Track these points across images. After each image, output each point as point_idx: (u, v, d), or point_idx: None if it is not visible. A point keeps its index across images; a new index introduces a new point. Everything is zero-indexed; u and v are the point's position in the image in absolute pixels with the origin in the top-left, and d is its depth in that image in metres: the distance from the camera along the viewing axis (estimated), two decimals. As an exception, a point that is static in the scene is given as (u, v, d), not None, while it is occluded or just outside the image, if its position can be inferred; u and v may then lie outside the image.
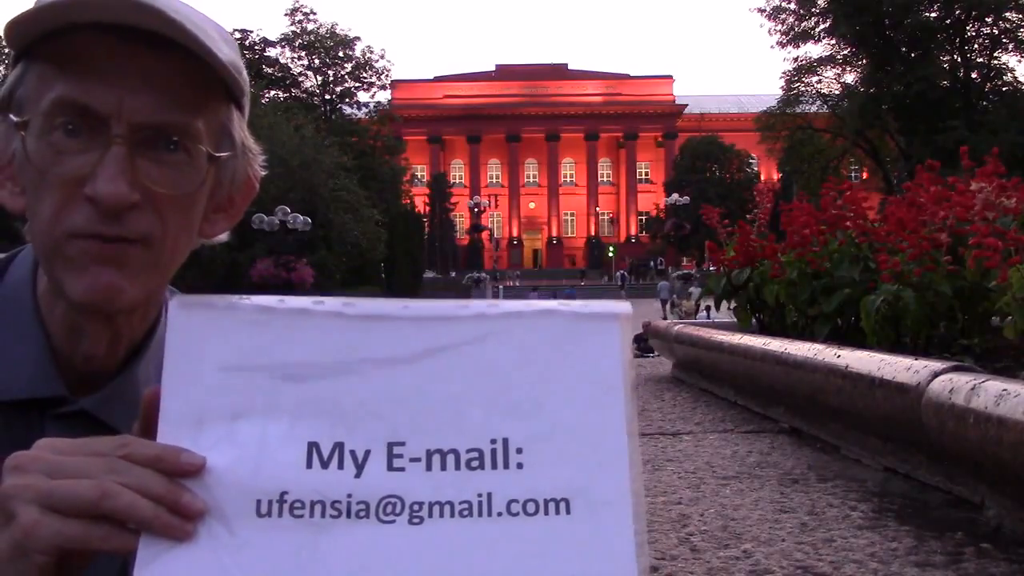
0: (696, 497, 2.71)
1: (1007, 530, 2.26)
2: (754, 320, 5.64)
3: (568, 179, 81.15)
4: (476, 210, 62.34)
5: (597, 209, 79.40)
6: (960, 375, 2.36)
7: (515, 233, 78.99)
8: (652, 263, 57.30)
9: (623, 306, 0.72)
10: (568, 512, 0.66)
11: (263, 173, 1.00)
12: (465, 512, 0.65)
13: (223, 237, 0.99)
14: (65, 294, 0.86)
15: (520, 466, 0.67)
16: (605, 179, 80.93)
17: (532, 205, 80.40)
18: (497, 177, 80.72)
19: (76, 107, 0.82)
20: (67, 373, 0.92)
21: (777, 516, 2.47)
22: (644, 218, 76.89)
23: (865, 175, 48.68)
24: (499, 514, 0.65)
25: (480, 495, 0.66)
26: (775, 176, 58.47)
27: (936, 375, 2.45)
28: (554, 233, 79.64)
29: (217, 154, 0.89)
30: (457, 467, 0.67)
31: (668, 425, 4.15)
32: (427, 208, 62.96)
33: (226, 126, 0.91)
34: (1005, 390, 2.10)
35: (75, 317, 0.90)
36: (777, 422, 4.10)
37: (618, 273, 59.91)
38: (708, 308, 11.55)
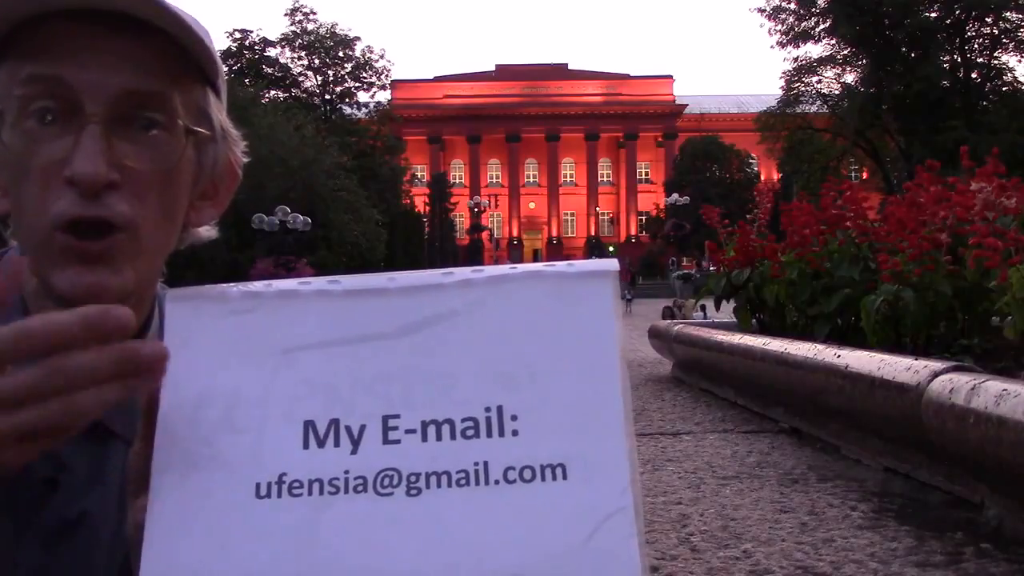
0: (696, 497, 2.71)
1: (1007, 530, 2.26)
2: (754, 320, 5.64)
3: (568, 179, 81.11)
4: (476, 210, 62.33)
5: (597, 209, 79.37)
6: (960, 375, 2.36)
7: (515, 233, 78.94)
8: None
9: (611, 263, 0.72)
10: (565, 477, 0.66)
11: (245, 160, 0.98)
12: (462, 481, 0.66)
13: (213, 232, 0.98)
14: (52, 289, 0.85)
15: (515, 433, 0.67)
16: (605, 179, 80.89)
17: (532, 205, 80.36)
18: (497, 177, 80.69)
19: (48, 81, 0.81)
20: None
21: (777, 516, 2.47)
22: (644, 218, 76.86)
23: (865, 175, 48.65)
24: (496, 482, 0.66)
25: (476, 464, 0.66)
26: (775, 176, 58.45)
27: (936, 375, 2.44)
28: (554, 233, 79.60)
29: (195, 128, 0.87)
30: (452, 437, 0.67)
31: (668, 425, 4.15)
32: (427, 208, 62.96)
33: (203, 107, 0.89)
34: (1005, 390, 2.10)
35: None
36: (777, 422, 4.10)
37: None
38: (704, 307, 11.53)
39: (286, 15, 56.64)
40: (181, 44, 0.84)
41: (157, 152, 0.84)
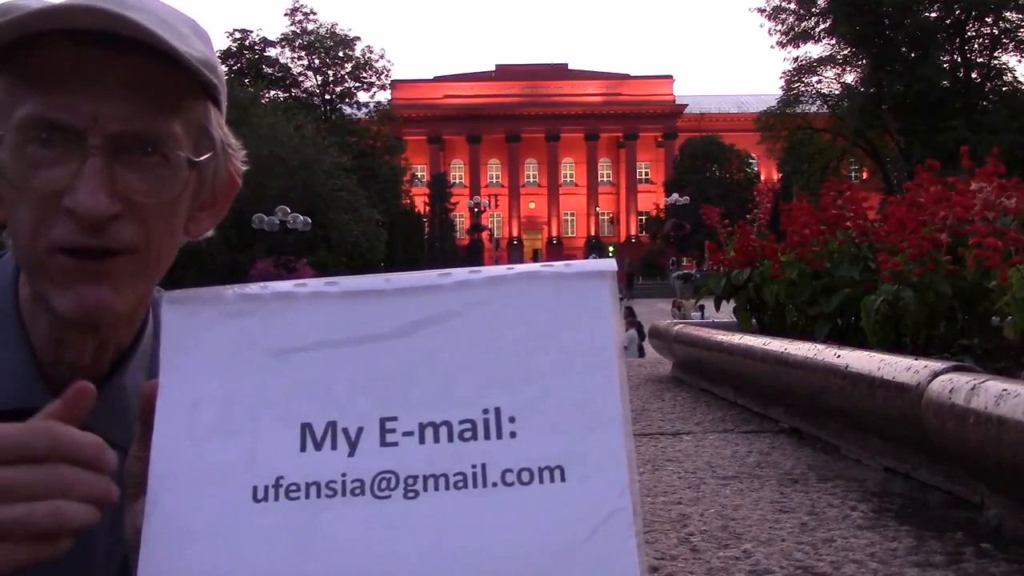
0: (696, 497, 2.71)
1: (1007, 530, 2.26)
2: (754, 320, 5.64)
3: (568, 179, 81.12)
4: (476, 210, 62.37)
5: (597, 209, 79.36)
6: (960, 375, 2.36)
7: (515, 233, 78.91)
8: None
9: (609, 263, 0.71)
10: (563, 479, 0.66)
11: (245, 168, 0.98)
12: (460, 484, 0.65)
13: (209, 233, 0.98)
14: (52, 308, 0.84)
15: (513, 435, 0.67)
16: (605, 179, 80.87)
17: (532, 205, 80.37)
18: (497, 177, 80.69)
19: (49, 123, 0.80)
20: (53, 382, 0.89)
21: (777, 516, 2.47)
22: (644, 218, 76.85)
23: (865, 175, 48.68)
24: (494, 484, 0.65)
25: (474, 466, 0.66)
26: (775, 176, 58.43)
27: (936, 375, 2.44)
28: (554, 233, 79.58)
29: (197, 159, 0.87)
30: (450, 439, 0.67)
31: (668, 425, 4.14)
32: (427, 208, 62.96)
33: (204, 126, 0.88)
34: (1005, 390, 2.10)
35: (59, 328, 0.88)
36: (777, 422, 4.10)
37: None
38: (703, 307, 11.56)
39: (286, 15, 56.68)
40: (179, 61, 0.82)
41: (160, 182, 0.84)
